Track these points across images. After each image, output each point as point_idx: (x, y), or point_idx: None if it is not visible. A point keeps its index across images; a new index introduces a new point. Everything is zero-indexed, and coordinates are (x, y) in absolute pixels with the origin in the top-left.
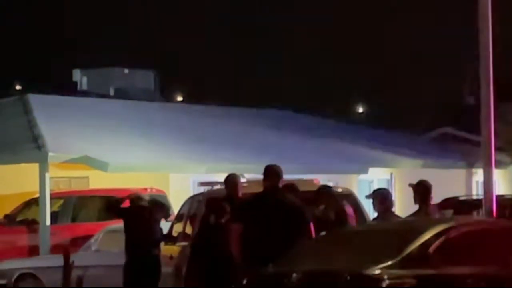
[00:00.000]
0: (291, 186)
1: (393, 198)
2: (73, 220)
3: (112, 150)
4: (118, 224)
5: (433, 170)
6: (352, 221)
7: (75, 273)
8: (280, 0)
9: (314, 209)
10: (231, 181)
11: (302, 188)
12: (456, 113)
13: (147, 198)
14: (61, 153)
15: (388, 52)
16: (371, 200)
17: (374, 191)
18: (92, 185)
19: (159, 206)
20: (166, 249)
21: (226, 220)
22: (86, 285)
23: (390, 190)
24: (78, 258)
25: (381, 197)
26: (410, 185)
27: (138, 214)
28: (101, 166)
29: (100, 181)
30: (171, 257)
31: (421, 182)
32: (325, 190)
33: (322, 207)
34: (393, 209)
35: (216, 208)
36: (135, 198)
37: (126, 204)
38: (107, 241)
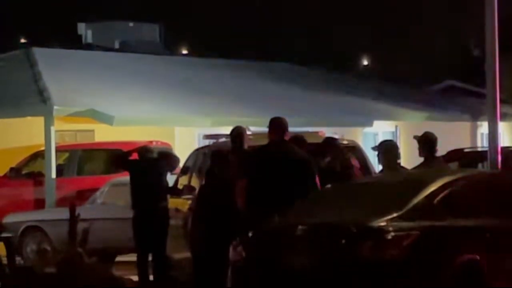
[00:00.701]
0: (298, 138)
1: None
2: (79, 173)
3: (117, 104)
4: (124, 177)
5: (438, 122)
6: (358, 173)
7: (80, 226)
8: None
9: (320, 161)
10: (237, 134)
11: (307, 140)
12: (461, 66)
13: (155, 150)
14: (66, 107)
15: (393, 3)
16: (376, 153)
17: (381, 143)
18: (98, 138)
19: (169, 157)
20: (172, 202)
21: (232, 173)
22: (92, 238)
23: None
24: (84, 211)
25: (387, 149)
26: (415, 137)
27: (145, 167)
28: (107, 119)
29: (105, 135)
30: (176, 210)
31: (426, 134)
32: (330, 142)
33: (327, 159)
34: (398, 161)
35: (221, 161)
36: (143, 151)
37: (134, 156)
38: (112, 194)
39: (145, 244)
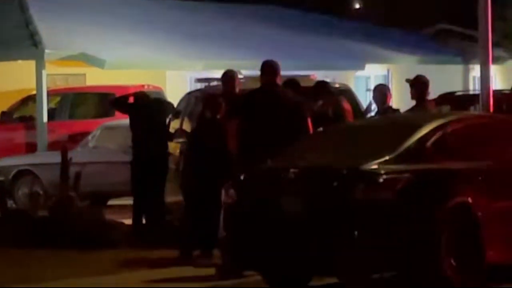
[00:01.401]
0: (292, 82)
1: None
2: (70, 117)
3: (109, 47)
4: (115, 120)
5: (430, 66)
6: (350, 116)
7: (72, 170)
8: None
9: (312, 104)
10: (228, 77)
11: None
12: (453, 8)
13: (152, 95)
14: (57, 50)
15: None
16: (369, 96)
17: (376, 86)
18: (89, 82)
19: (167, 104)
20: None
21: (223, 116)
22: (84, 182)
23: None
24: (76, 154)
25: (381, 93)
26: (407, 80)
27: (145, 111)
28: (98, 63)
29: (97, 78)
30: (168, 154)
31: (418, 77)
32: (322, 85)
33: (320, 102)
34: (390, 104)
35: (213, 104)
36: (140, 95)
37: (131, 101)
38: (104, 138)
39: (143, 188)
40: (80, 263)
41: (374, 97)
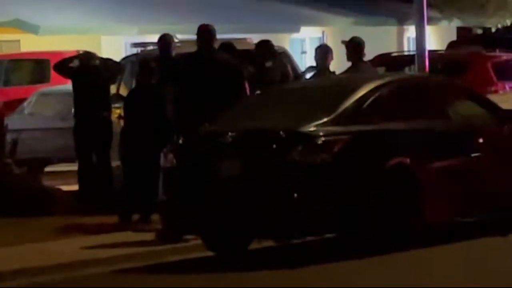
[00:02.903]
0: (228, 45)
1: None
2: (6, 83)
3: (43, 13)
4: (51, 87)
5: (364, 27)
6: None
7: (9, 137)
8: None
9: (249, 67)
10: (164, 41)
11: (236, 47)
12: None
13: (98, 57)
14: None
15: None
16: (304, 59)
17: (318, 46)
18: (24, 48)
19: (114, 66)
20: None
21: (160, 81)
22: (21, 148)
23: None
24: (12, 121)
25: (323, 53)
26: (343, 42)
27: (88, 74)
28: (32, 29)
29: (31, 44)
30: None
31: (354, 39)
32: (267, 45)
33: (269, 63)
34: (328, 66)
35: (149, 69)
36: (85, 57)
37: (74, 64)
38: (40, 104)
39: (88, 154)
40: (17, 230)
41: (315, 57)
